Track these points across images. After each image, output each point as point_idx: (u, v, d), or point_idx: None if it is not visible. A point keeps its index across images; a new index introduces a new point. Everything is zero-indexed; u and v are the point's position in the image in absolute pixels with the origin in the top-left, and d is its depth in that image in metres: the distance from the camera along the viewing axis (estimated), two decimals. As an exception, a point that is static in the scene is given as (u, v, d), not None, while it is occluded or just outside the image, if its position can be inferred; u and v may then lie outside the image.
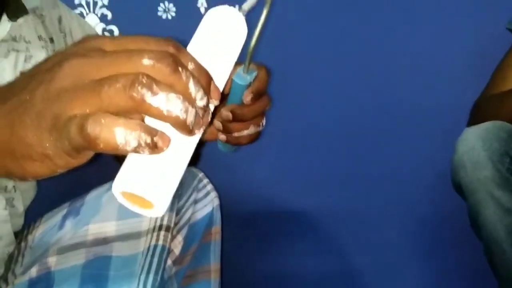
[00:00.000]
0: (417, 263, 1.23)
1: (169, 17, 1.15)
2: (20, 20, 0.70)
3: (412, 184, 1.21)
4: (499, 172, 0.81)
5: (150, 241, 0.66)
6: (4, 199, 0.72)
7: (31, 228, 0.78)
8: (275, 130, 1.04)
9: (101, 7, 1.14)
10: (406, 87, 1.19)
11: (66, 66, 0.31)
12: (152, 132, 0.30)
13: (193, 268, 0.74)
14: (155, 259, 0.64)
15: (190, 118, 0.31)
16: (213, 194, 0.78)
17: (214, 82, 0.34)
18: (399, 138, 1.20)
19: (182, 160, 0.33)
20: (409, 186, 1.21)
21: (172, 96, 0.30)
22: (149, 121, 0.32)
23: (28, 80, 0.33)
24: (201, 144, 0.36)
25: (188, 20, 1.16)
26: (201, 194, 0.77)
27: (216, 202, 0.78)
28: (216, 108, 0.36)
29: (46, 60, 0.34)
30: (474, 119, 0.99)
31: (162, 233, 0.66)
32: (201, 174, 0.78)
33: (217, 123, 0.57)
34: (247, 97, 0.56)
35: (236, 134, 0.58)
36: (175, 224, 0.70)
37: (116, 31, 1.14)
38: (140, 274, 0.62)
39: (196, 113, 0.31)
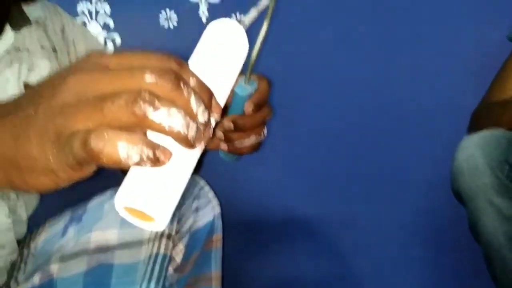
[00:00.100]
0: (418, 267, 1.23)
1: (171, 25, 1.16)
2: (24, 31, 0.71)
3: (413, 189, 1.21)
4: (498, 179, 0.81)
5: (152, 249, 0.66)
6: (7, 207, 0.72)
7: (33, 235, 0.79)
8: (276, 139, 1.05)
9: (103, 15, 1.15)
10: (407, 94, 1.19)
11: (70, 82, 0.32)
12: (154, 146, 0.31)
13: (194, 276, 0.74)
14: (157, 267, 0.65)
15: (192, 133, 0.31)
16: (214, 202, 0.78)
17: (215, 98, 0.34)
18: (400, 144, 1.20)
19: (184, 174, 0.34)
20: (410, 191, 1.21)
21: (174, 111, 0.31)
22: (152, 135, 0.33)
23: (32, 95, 0.34)
24: (203, 152, 0.36)
25: (190, 29, 1.18)
26: (202, 202, 0.77)
27: (217, 210, 0.78)
28: None
29: (50, 76, 0.35)
30: (474, 126, 0.99)
31: (164, 241, 0.67)
32: (202, 182, 0.79)
33: (219, 133, 0.58)
34: (249, 108, 0.57)
35: (237, 144, 0.59)
36: (177, 232, 0.71)
37: (118, 39, 1.15)
38: (142, 282, 0.63)
39: (198, 128, 0.32)
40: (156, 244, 0.67)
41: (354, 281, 1.24)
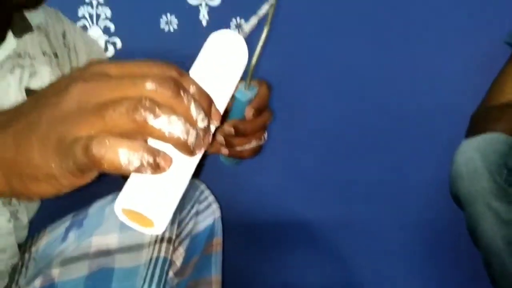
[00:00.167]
0: (418, 270, 1.23)
1: (171, 29, 1.17)
2: (25, 37, 0.72)
3: (413, 192, 1.21)
4: (497, 184, 0.82)
5: (152, 253, 0.67)
6: (8, 212, 0.72)
7: (34, 239, 0.79)
8: (276, 143, 1.05)
9: (104, 19, 1.15)
10: (406, 98, 1.20)
11: (72, 90, 0.32)
12: (154, 152, 0.31)
13: (195, 279, 0.74)
14: (157, 271, 0.65)
15: (191, 139, 0.32)
16: (215, 205, 0.78)
17: (215, 105, 0.35)
18: (400, 147, 1.21)
19: (183, 180, 0.34)
20: (410, 194, 1.21)
21: (174, 118, 0.31)
22: (152, 142, 0.33)
23: (35, 103, 0.34)
24: (203, 156, 0.37)
25: (190, 33, 1.18)
26: (202, 206, 0.77)
27: (218, 213, 0.78)
28: None
29: (52, 84, 0.35)
30: (472, 130, 0.99)
31: (164, 245, 0.67)
32: (202, 186, 0.79)
33: (220, 138, 0.58)
34: (249, 113, 0.57)
35: (238, 148, 0.59)
36: (177, 236, 0.71)
37: (119, 43, 1.16)
38: (142, 286, 0.63)
39: (197, 134, 0.32)
40: (157, 248, 0.67)
41: (355, 284, 1.24)
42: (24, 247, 0.79)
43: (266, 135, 0.62)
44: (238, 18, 1.17)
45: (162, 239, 0.67)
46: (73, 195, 0.40)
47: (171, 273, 0.69)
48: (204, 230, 0.76)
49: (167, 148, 0.33)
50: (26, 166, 0.33)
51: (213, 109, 0.34)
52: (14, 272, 0.76)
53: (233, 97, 0.57)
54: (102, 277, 0.66)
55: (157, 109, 0.31)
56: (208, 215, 0.77)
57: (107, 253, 0.68)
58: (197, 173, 0.49)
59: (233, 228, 0.98)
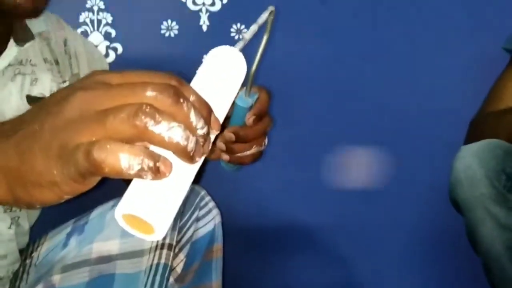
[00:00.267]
0: (419, 273, 1.23)
1: (172, 35, 1.17)
2: (27, 45, 0.72)
3: (414, 196, 1.21)
4: (496, 189, 0.82)
5: (153, 259, 0.67)
6: (9, 218, 0.73)
7: (36, 245, 0.79)
8: (277, 149, 1.05)
9: (105, 25, 1.16)
10: (405, 103, 1.20)
11: (74, 99, 0.33)
12: (155, 157, 0.32)
13: (195, 286, 0.74)
14: (158, 278, 0.65)
15: (191, 146, 0.32)
16: (215, 211, 0.79)
17: (214, 114, 0.35)
18: (400, 153, 1.21)
19: (183, 186, 0.35)
20: (411, 199, 1.22)
21: (174, 125, 0.31)
22: (153, 150, 0.33)
23: (37, 112, 0.35)
24: (204, 162, 0.37)
25: (191, 38, 1.19)
26: (203, 212, 0.78)
27: (218, 219, 0.79)
28: None
29: (55, 94, 0.36)
30: (471, 137, 1.00)
31: (165, 251, 0.67)
32: (203, 192, 0.79)
33: (220, 144, 0.59)
34: (250, 119, 0.58)
35: (239, 154, 0.60)
36: (177, 242, 0.71)
37: (120, 49, 1.16)
38: (143, 292, 0.63)
39: (197, 141, 0.33)
40: (157, 254, 0.67)
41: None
42: (25, 253, 0.79)
43: (266, 141, 0.63)
44: (238, 24, 1.17)
45: (162, 245, 0.68)
46: (74, 201, 0.40)
47: (171, 279, 0.69)
48: (204, 236, 0.76)
49: (168, 155, 0.33)
50: (29, 174, 0.33)
51: (212, 117, 0.35)
52: (16, 278, 0.76)
53: (233, 104, 0.57)
54: (103, 283, 0.66)
55: (157, 115, 0.31)
56: (209, 221, 0.77)
57: (108, 259, 0.68)
58: (198, 179, 0.49)
59: (234, 233, 0.98)
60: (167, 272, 0.66)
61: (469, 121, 1.05)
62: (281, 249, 1.23)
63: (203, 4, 1.17)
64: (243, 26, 1.18)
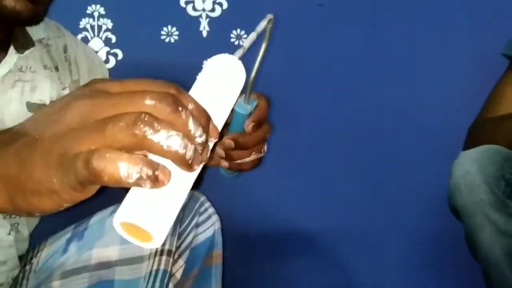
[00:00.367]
0: (419, 277, 1.23)
1: (172, 40, 1.17)
2: (27, 52, 0.72)
3: (413, 203, 1.21)
4: (495, 195, 0.82)
5: (152, 265, 0.67)
6: (9, 225, 0.73)
7: (35, 251, 0.79)
8: (276, 155, 1.05)
9: (105, 31, 1.16)
10: (405, 108, 1.20)
11: (73, 108, 0.33)
12: (153, 166, 0.32)
13: (195, 291, 0.75)
14: (157, 284, 0.65)
15: (189, 154, 0.32)
16: (215, 217, 0.79)
17: (212, 122, 0.35)
18: (400, 157, 1.21)
19: (181, 194, 0.35)
20: (410, 205, 1.22)
21: (172, 133, 0.32)
22: (152, 158, 0.33)
23: (37, 120, 0.35)
24: (203, 169, 0.37)
25: (191, 44, 1.19)
26: (202, 218, 0.78)
27: (218, 225, 0.79)
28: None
29: (55, 102, 0.36)
30: (470, 143, 1.00)
31: (164, 257, 0.67)
32: (203, 198, 0.79)
33: (220, 151, 0.59)
34: (249, 126, 0.58)
35: (238, 161, 0.60)
36: (177, 248, 0.71)
37: (120, 55, 1.17)
38: (143, 298, 0.63)
39: (195, 149, 0.33)
40: (157, 260, 0.67)
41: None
42: (25, 259, 0.79)
43: (265, 147, 0.63)
44: (238, 30, 1.18)
45: (162, 252, 0.68)
46: (74, 207, 0.40)
47: (171, 286, 0.69)
48: (204, 242, 0.76)
49: (166, 164, 0.33)
50: (29, 182, 0.33)
51: (211, 125, 0.35)
52: (15, 284, 0.76)
53: (232, 111, 0.57)
54: (102, 290, 0.66)
55: (156, 124, 0.31)
56: (208, 227, 0.77)
57: (107, 265, 0.68)
58: (197, 185, 0.49)
59: (233, 239, 0.99)
60: (167, 278, 0.66)
61: (468, 122, 1.05)
62: (280, 254, 1.23)
63: (203, 10, 1.18)
64: (243, 32, 1.18)
